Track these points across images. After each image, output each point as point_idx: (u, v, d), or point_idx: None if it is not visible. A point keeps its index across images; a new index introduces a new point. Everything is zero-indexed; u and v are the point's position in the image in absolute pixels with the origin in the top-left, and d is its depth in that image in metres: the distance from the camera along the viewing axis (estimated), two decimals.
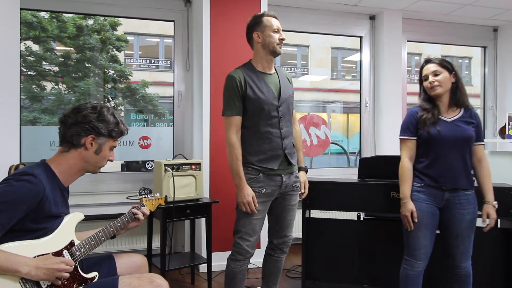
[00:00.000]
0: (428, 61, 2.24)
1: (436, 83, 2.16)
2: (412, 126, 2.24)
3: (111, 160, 1.69)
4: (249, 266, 3.27)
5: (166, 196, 2.03)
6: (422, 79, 2.25)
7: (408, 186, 2.22)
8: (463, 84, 2.23)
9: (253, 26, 2.21)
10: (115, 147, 1.69)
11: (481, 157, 2.21)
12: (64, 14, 3.85)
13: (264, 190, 2.17)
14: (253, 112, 2.14)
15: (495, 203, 2.16)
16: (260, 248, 3.34)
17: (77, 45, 3.95)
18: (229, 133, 2.14)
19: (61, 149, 1.61)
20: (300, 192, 2.35)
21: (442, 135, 2.13)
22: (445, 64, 2.20)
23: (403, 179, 2.23)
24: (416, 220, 2.16)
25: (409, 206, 2.17)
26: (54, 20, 3.91)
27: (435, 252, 2.21)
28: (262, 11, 2.23)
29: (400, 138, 2.30)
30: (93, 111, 1.60)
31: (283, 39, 2.20)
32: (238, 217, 2.21)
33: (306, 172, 2.42)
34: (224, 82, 2.19)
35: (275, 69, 2.29)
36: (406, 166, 2.24)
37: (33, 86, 3.86)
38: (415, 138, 2.24)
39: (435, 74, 2.18)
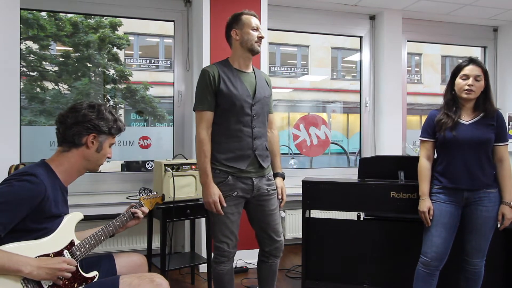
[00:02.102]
0: (474, 61, 2.15)
1: (473, 88, 2.13)
2: (430, 129, 2.28)
3: (109, 158, 1.70)
4: (249, 266, 3.29)
5: (163, 194, 2.04)
6: (457, 75, 2.19)
7: (426, 184, 2.26)
8: (491, 92, 2.22)
9: (231, 24, 2.15)
10: (113, 144, 1.71)
11: (502, 157, 2.19)
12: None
13: (236, 193, 2.09)
14: (225, 107, 2.07)
15: None
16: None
17: (74, 43, 3.95)
18: (199, 129, 2.08)
19: (61, 149, 1.61)
20: (279, 199, 2.26)
21: (458, 138, 2.15)
22: (486, 71, 2.16)
23: (421, 178, 2.29)
24: (431, 217, 2.20)
25: (427, 203, 2.22)
26: (52, 18, 3.91)
27: (451, 250, 2.22)
28: (241, 11, 2.16)
29: (419, 139, 2.36)
30: (91, 110, 1.61)
31: (261, 37, 2.14)
32: (214, 222, 2.14)
33: (283, 178, 2.32)
34: (199, 76, 2.14)
35: (253, 69, 2.23)
36: (423, 165, 2.29)
37: (37, 89, 3.86)
38: (432, 140, 2.28)
39: (476, 79, 2.13)
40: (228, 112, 2.08)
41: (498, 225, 2.17)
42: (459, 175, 2.16)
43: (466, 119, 2.19)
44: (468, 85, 2.13)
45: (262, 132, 2.18)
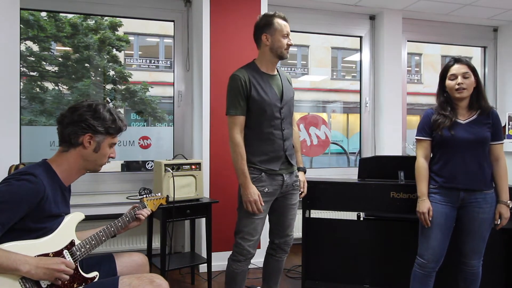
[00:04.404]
0: (458, 60, 2.17)
1: (464, 86, 2.13)
2: (427, 127, 2.25)
3: (112, 157, 1.69)
4: (249, 266, 3.28)
5: (167, 195, 2.03)
6: (446, 77, 2.20)
7: (425, 184, 2.23)
8: (483, 89, 2.21)
9: (263, 27, 2.17)
10: (115, 144, 1.68)
11: (498, 156, 2.18)
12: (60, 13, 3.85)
13: (267, 189, 2.17)
14: (257, 113, 2.14)
15: (510, 203, 2.13)
16: (260, 248, 3.34)
17: (74, 44, 3.95)
18: (233, 133, 2.14)
19: (61, 149, 1.61)
20: (300, 192, 2.36)
21: (456, 137, 2.14)
22: (473, 67, 2.16)
23: (419, 178, 2.25)
24: (431, 218, 2.17)
25: (426, 204, 2.19)
26: (52, 19, 3.91)
27: (449, 251, 2.22)
28: (273, 12, 2.19)
29: (416, 138, 2.32)
30: (88, 109, 1.60)
31: (291, 45, 2.20)
32: (240, 217, 2.21)
33: (305, 172, 2.43)
34: (228, 81, 2.18)
35: (277, 71, 2.30)
36: (421, 165, 2.25)
37: (36, 89, 3.85)
38: (429, 139, 2.25)
39: (465, 76, 2.13)
40: (260, 116, 2.15)
41: (496, 223, 2.15)
42: (456, 174, 2.15)
43: (462, 118, 2.19)
44: (458, 84, 2.14)
45: (290, 132, 2.27)
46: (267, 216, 2.33)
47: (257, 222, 2.17)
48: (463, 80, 2.13)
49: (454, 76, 2.16)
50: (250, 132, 2.18)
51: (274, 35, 2.15)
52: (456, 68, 2.16)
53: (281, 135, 2.19)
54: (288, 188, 2.27)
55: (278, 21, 2.15)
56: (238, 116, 2.14)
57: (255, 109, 2.14)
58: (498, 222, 2.15)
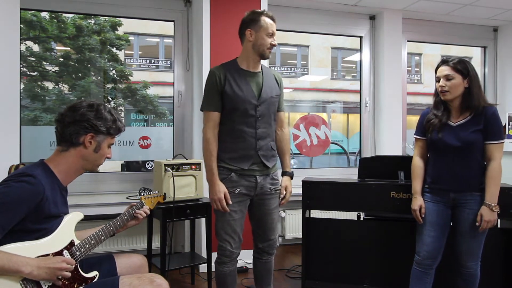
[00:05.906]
0: (444, 62, 2.15)
1: (446, 88, 2.11)
2: (422, 127, 2.28)
3: (109, 158, 1.70)
4: (249, 266, 3.29)
5: (165, 193, 2.03)
6: (436, 79, 2.21)
7: (418, 182, 2.26)
8: (479, 88, 2.13)
9: (248, 23, 2.13)
10: (112, 144, 1.70)
11: (490, 156, 2.09)
12: (64, 14, 3.86)
13: (238, 190, 2.12)
14: (230, 109, 2.10)
15: (493, 206, 2.06)
16: None
17: (76, 46, 3.95)
18: (206, 129, 2.12)
19: (60, 148, 1.60)
20: (281, 197, 2.26)
21: (443, 140, 2.14)
22: (460, 68, 2.10)
23: (413, 176, 2.30)
24: (423, 215, 2.21)
25: (418, 202, 2.23)
26: (54, 20, 3.91)
27: (448, 250, 2.22)
28: (262, 10, 2.17)
29: (413, 137, 2.36)
30: (90, 109, 1.60)
31: (274, 45, 2.14)
32: (217, 219, 2.17)
33: (292, 178, 2.33)
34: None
35: (262, 69, 2.23)
36: (416, 163, 2.30)
37: (37, 89, 3.86)
38: (425, 138, 2.27)
39: (447, 78, 2.11)
40: (233, 113, 2.11)
41: (477, 224, 2.08)
42: (442, 176, 2.17)
43: (454, 120, 2.17)
44: (440, 86, 2.14)
45: (267, 132, 2.19)
46: (248, 220, 2.28)
47: (233, 223, 2.13)
48: (445, 82, 2.12)
49: (438, 79, 2.17)
50: (223, 128, 2.14)
51: (258, 32, 2.10)
52: (439, 71, 2.16)
53: (254, 133, 2.12)
54: (264, 190, 2.19)
55: (265, 19, 2.10)
56: (212, 112, 2.11)
57: (228, 105, 2.09)
58: (479, 224, 2.08)
